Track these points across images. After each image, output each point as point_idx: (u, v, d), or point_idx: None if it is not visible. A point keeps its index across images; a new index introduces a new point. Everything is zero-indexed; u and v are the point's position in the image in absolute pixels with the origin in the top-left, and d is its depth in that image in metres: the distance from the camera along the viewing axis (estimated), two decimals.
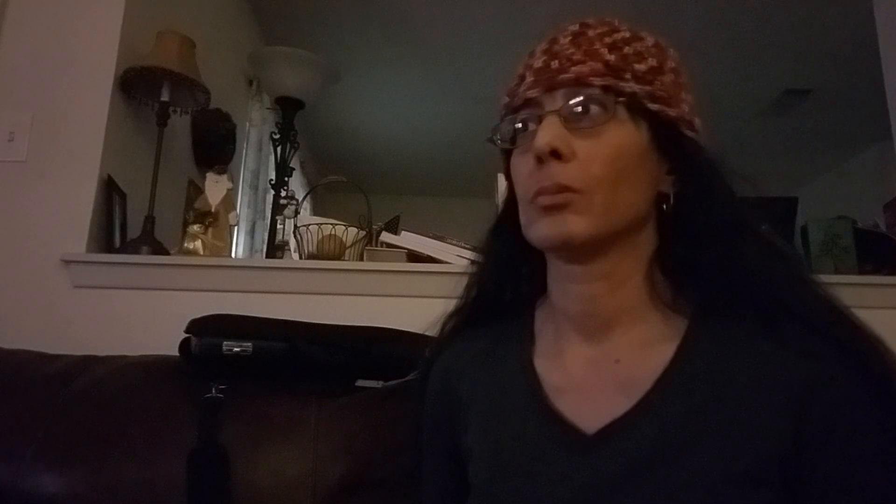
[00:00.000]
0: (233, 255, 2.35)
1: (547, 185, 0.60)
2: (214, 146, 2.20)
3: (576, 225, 0.60)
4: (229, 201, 1.59)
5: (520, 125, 0.65)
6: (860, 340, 0.58)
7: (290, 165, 2.34)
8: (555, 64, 0.63)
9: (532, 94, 0.63)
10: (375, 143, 4.41)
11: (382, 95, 3.78)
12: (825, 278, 0.64)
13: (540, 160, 0.60)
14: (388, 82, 3.63)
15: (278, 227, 2.15)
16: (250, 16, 2.92)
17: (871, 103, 2.56)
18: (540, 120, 0.62)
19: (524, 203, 0.64)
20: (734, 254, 0.62)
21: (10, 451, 0.95)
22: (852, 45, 3.01)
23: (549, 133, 0.60)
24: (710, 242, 0.62)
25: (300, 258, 1.51)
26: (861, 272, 1.70)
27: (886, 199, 3.04)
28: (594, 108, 0.61)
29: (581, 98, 0.61)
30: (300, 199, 2.12)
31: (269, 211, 2.36)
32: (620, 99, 0.61)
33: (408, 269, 1.43)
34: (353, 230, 1.50)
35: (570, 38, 0.64)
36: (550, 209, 0.60)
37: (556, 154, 0.60)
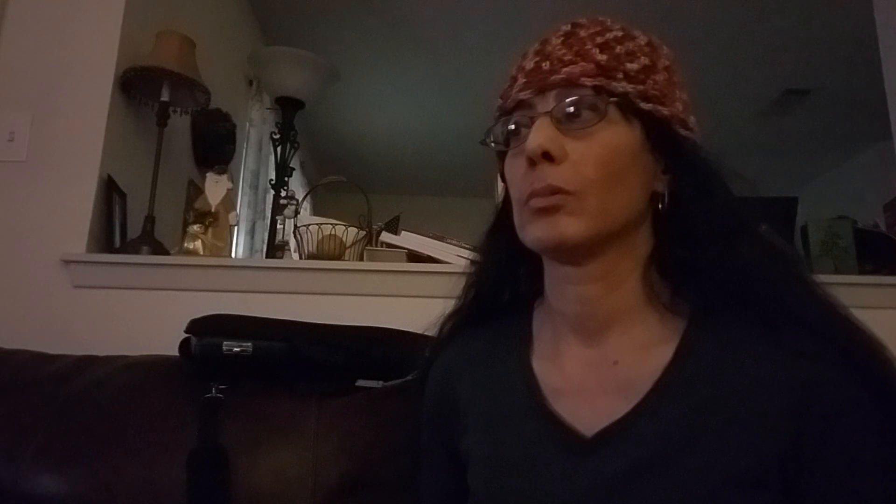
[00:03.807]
0: (233, 255, 2.35)
1: (539, 187, 0.60)
2: (214, 146, 2.20)
3: (569, 227, 0.59)
4: (229, 201, 1.59)
5: (512, 127, 0.64)
6: (859, 342, 0.58)
7: (290, 165, 2.34)
8: (546, 65, 0.62)
9: (524, 95, 0.63)
10: (375, 142, 4.41)
11: (382, 95, 3.78)
12: (825, 278, 0.63)
13: (532, 162, 0.60)
14: (389, 82, 3.63)
15: (278, 227, 2.15)
16: (250, 16, 2.92)
17: (871, 103, 2.56)
18: (532, 122, 0.62)
19: (518, 205, 0.64)
20: (732, 254, 0.61)
21: (10, 451, 0.95)
22: (852, 45, 3.01)
23: (540, 135, 0.60)
24: (707, 242, 0.62)
25: (300, 258, 1.51)
26: (861, 272, 1.69)
27: (886, 199, 3.04)
28: (586, 109, 0.60)
29: (572, 99, 0.61)
30: (300, 199, 2.12)
31: (269, 211, 2.37)
32: (612, 99, 0.61)
33: (408, 269, 1.43)
34: (353, 230, 1.50)
35: (561, 38, 0.64)
36: (543, 211, 0.60)
37: (548, 156, 0.60)
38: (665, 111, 0.62)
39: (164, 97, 1.57)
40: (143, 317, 1.38)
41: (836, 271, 1.69)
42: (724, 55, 3.19)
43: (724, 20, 2.95)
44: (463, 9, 2.94)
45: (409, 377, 0.97)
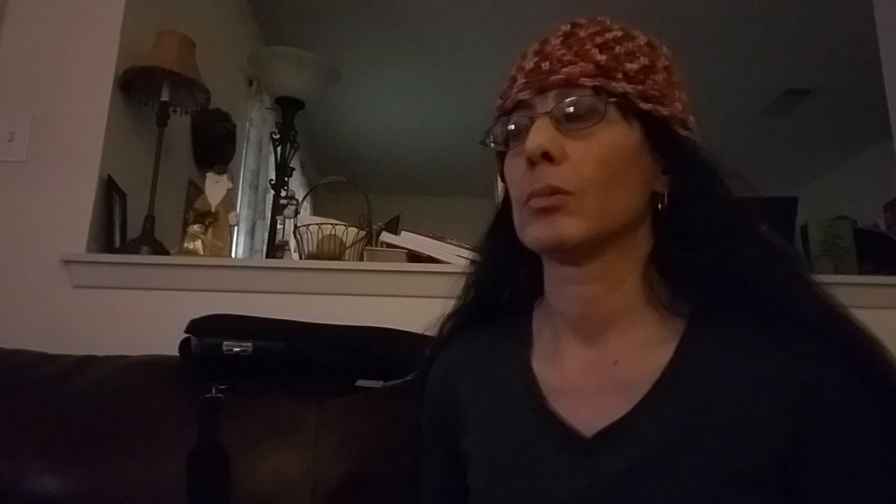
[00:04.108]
0: (233, 255, 2.35)
1: (539, 187, 0.60)
2: (214, 146, 2.20)
3: (568, 227, 0.59)
4: (229, 201, 1.59)
5: (512, 127, 0.64)
6: (859, 342, 0.58)
7: (290, 165, 2.34)
8: (545, 65, 0.62)
9: (523, 95, 0.63)
10: (375, 143, 4.41)
11: (382, 95, 3.78)
12: (825, 278, 0.63)
13: (532, 163, 0.60)
14: (388, 82, 3.63)
15: (278, 227, 2.15)
16: (250, 16, 2.92)
17: (871, 103, 2.56)
18: (531, 122, 0.62)
19: (518, 205, 0.64)
20: (731, 254, 0.61)
21: (10, 451, 0.95)
22: (852, 45, 3.01)
23: (540, 135, 0.60)
24: (707, 242, 0.62)
25: (300, 258, 1.51)
26: (861, 272, 1.70)
27: (886, 199, 3.04)
28: (585, 110, 0.60)
29: (572, 99, 0.61)
30: (300, 199, 2.12)
31: (269, 211, 2.37)
32: (612, 99, 0.61)
33: (408, 269, 1.43)
34: (353, 230, 1.50)
35: (560, 38, 0.64)
36: (543, 212, 0.60)
37: (547, 156, 0.60)
38: (664, 111, 0.62)
39: (164, 97, 1.57)
40: (143, 317, 1.38)
41: (836, 271, 1.69)
42: (724, 55, 3.20)
43: (724, 20, 2.95)
44: (463, 9, 2.94)
45: (409, 377, 0.97)
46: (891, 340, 0.59)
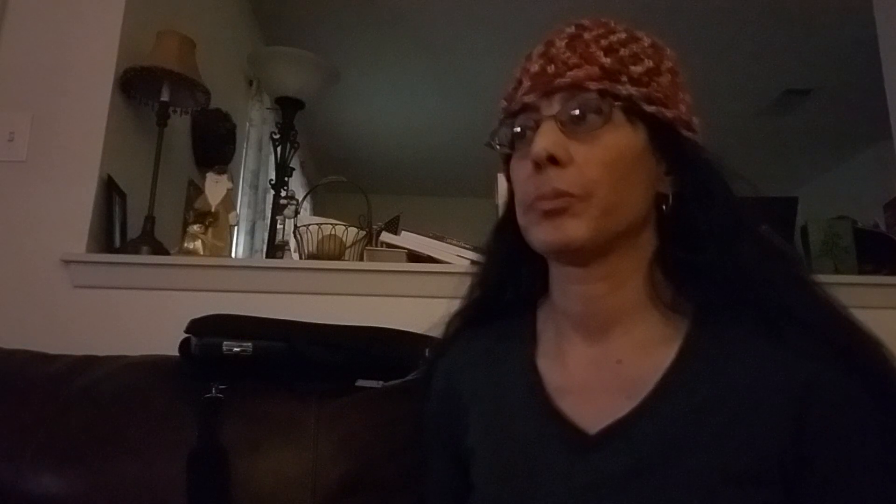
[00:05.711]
0: (233, 255, 2.35)
1: (545, 190, 0.60)
2: (214, 146, 2.20)
3: (574, 229, 0.60)
4: (229, 201, 1.59)
5: (518, 130, 0.65)
6: (860, 342, 0.58)
7: (290, 165, 2.34)
8: (551, 68, 0.63)
9: (529, 99, 0.63)
10: (375, 143, 4.41)
11: (382, 95, 3.78)
12: (825, 278, 0.64)
13: (538, 165, 0.60)
14: (388, 82, 3.63)
15: (278, 227, 2.15)
16: (250, 16, 2.92)
17: (871, 103, 2.56)
18: (537, 125, 0.62)
19: (523, 207, 0.64)
20: (734, 254, 0.62)
21: (10, 451, 0.95)
22: (852, 45, 3.01)
23: (546, 139, 0.60)
24: (710, 243, 0.62)
25: (300, 258, 1.51)
26: (861, 272, 1.69)
27: (886, 199, 3.05)
28: (591, 113, 0.61)
29: (578, 103, 0.61)
30: (300, 199, 2.12)
31: (269, 211, 2.37)
32: (617, 102, 0.61)
33: (408, 269, 1.43)
34: (353, 230, 1.50)
35: (566, 40, 0.64)
36: (549, 214, 0.60)
37: (553, 160, 0.60)
38: (669, 114, 0.63)
39: (164, 97, 1.57)
40: (143, 317, 1.38)
41: (836, 271, 1.69)
42: (724, 55, 3.20)
43: (725, 20, 2.95)
44: (463, 9, 2.95)
45: (409, 377, 0.97)
46: (891, 340, 0.59)
